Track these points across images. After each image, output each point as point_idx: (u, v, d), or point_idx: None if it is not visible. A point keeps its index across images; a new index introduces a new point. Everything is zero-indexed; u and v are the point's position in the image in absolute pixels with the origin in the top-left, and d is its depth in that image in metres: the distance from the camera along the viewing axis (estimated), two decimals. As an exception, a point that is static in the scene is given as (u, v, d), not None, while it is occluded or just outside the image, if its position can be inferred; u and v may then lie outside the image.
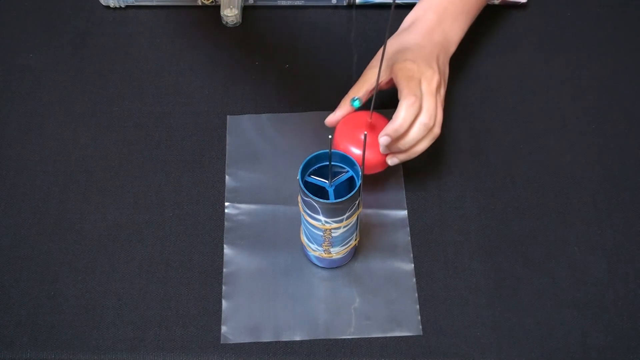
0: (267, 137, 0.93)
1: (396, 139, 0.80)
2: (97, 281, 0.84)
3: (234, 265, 0.85)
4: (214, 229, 0.87)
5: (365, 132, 0.75)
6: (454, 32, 0.89)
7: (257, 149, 0.92)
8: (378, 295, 0.83)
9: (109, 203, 0.89)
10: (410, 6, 0.91)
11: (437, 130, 0.82)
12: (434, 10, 0.88)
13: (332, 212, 0.73)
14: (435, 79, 0.82)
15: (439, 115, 0.82)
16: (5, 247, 0.86)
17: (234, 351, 0.80)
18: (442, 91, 0.84)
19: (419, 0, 0.91)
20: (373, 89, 0.82)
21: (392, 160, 0.83)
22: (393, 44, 0.86)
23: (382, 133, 0.80)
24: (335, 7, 1.04)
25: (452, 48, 0.89)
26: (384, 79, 0.84)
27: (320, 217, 0.74)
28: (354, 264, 0.85)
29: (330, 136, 0.72)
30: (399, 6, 1.01)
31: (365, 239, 0.86)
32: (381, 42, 0.77)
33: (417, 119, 0.80)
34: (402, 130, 0.79)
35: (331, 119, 0.85)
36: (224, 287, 0.83)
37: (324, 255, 0.81)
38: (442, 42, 0.87)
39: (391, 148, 0.82)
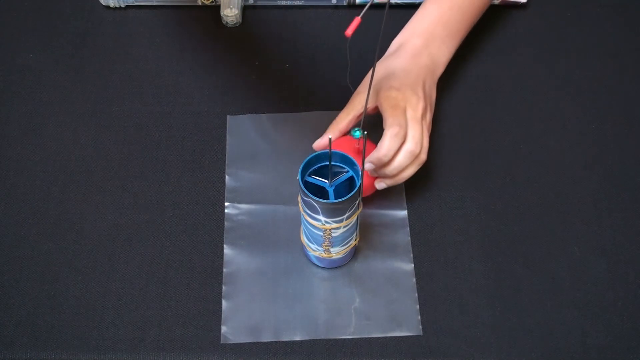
0: (267, 137, 0.93)
1: (382, 166, 0.80)
2: (97, 281, 0.84)
3: (234, 265, 0.85)
4: (214, 229, 0.87)
5: (365, 132, 0.75)
6: (441, 54, 0.88)
7: (257, 149, 0.92)
8: (378, 295, 0.83)
9: (109, 203, 0.89)
10: (409, 6, 0.91)
11: (423, 156, 0.82)
12: (420, 34, 0.87)
13: (332, 212, 0.73)
14: (420, 105, 0.82)
15: (425, 141, 0.82)
16: (5, 247, 0.86)
17: (234, 351, 0.80)
18: (429, 117, 0.84)
19: (407, 23, 0.90)
20: (360, 114, 0.82)
21: (379, 185, 0.83)
22: (379, 69, 0.86)
23: (366, 160, 0.80)
24: (335, 7, 1.04)
25: (440, 70, 0.88)
26: (370, 105, 0.83)
27: (320, 217, 0.74)
28: (354, 264, 0.85)
29: (330, 136, 0.72)
30: (399, 7, 1.01)
31: (365, 239, 0.86)
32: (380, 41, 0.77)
33: (403, 147, 0.80)
34: (386, 159, 0.79)
35: (319, 143, 0.84)
36: (224, 287, 0.83)
37: (324, 255, 0.81)
38: (428, 65, 0.86)
39: (378, 174, 0.82)
